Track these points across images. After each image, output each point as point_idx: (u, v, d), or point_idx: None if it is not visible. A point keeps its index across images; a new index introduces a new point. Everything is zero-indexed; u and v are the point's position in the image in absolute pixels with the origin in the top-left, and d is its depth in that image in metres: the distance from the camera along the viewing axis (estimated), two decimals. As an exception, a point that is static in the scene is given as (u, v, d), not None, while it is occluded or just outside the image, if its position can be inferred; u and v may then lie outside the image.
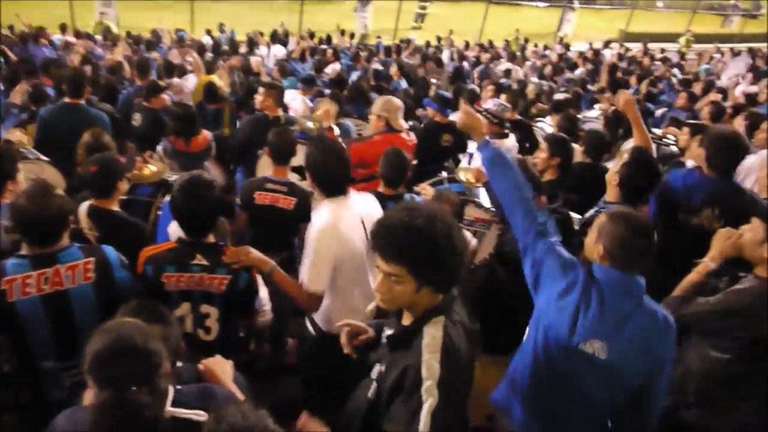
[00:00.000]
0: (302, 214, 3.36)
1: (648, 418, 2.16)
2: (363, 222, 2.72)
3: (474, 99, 6.86)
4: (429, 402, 1.54)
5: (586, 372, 2.10)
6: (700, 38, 22.18)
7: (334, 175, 2.74)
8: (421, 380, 1.58)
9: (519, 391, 2.31)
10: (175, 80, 7.59)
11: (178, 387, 1.69)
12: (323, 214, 2.70)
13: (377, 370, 1.81)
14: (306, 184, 3.09)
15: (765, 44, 21.20)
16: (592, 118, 6.91)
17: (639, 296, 2.08)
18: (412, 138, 4.63)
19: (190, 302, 2.46)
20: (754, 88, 9.57)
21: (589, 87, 10.03)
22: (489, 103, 4.85)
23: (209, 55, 9.98)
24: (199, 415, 1.57)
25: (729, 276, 2.58)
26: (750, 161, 4.80)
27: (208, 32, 14.93)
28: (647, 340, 2.04)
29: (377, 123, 4.50)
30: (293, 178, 3.72)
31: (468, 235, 3.34)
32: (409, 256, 1.63)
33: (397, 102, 4.55)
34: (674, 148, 5.57)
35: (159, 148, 4.52)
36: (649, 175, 3.11)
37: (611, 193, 3.15)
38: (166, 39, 12.96)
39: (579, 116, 6.50)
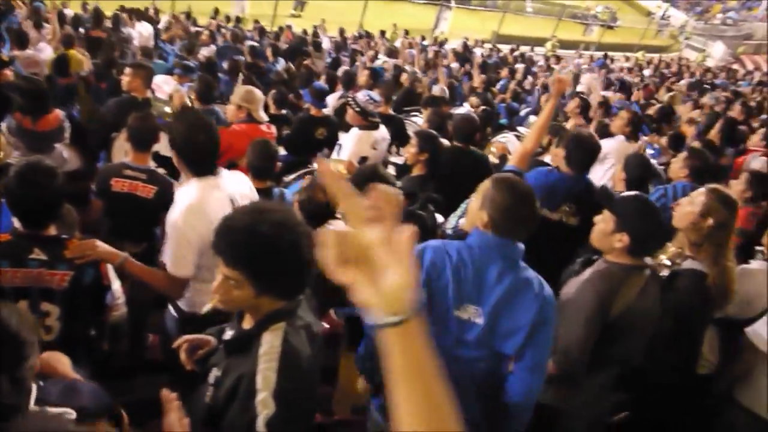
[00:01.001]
0: (163, 204, 3.17)
1: (527, 390, 2.12)
2: (233, 202, 2.60)
3: (351, 83, 6.90)
4: (264, 413, 1.48)
5: (463, 343, 2.09)
6: (565, 44, 23.71)
7: (202, 150, 2.59)
8: (255, 391, 1.51)
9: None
10: (28, 51, 6.97)
11: (41, 384, 1.57)
12: (189, 193, 2.55)
13: (214, 374, 1.72)
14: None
15: (620, 53, 23.20)
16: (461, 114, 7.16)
17: (515, 260, 2.10)
18: (272, 130, 4.57)
19: (28, 300, 2.24)
20: (608, 93, 10.40)
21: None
22: (360, 94, 4.87)
23: (68, 28, 9.21)
24: (68, 413, 1.50)
25: (583, 259, 2.75)
26: (608, 145, 5.22)
27: (64, 4, 13.82)
28: (520, 306, 2.05)
29: (237, 113, 4.38)
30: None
31: (343, 225, 3.33)
32: (248, 263, 1.55)
33: (259, 94, 4.48)
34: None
35: (2, 126, 4.11)
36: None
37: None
38: (20, 8, 11.79)
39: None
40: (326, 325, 3.60)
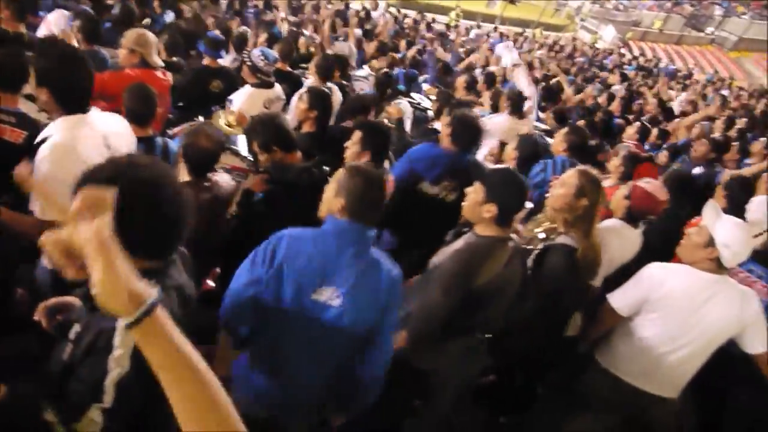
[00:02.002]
0: (34, 149, 2.97)
1: (377, 366, 2.29)
2: (107, 140, 2.47)
3: (243, 45, 6.71)
4: (116, 371, 1.42)
5: (321, 326, 2.15)
6: (467, 15, 24.06)
7: (79, 85, 2.44)
8: (112, 347, 1.43)
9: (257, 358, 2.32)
10: None
11: None
12: (56, 131, 2.39)
13: (75, 330, 1.62)
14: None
15: (519, 28, 23.88)
16: (361, 77, 7.15)
17: (367, 245, 2.20)
18: (168, 77, 4.35)
19: None
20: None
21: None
22: (255, 52, 4.74)
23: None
24: None
25: (455, 231, 2.85)
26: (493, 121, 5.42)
27: None
28: (372, 288, 2.17)
29: (130, 57, 4.13)
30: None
31: (227, 178, 3.25)
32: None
33: (152, 37, 4.23)
34: (430, 113, 6.03)
35: None
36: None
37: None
38: None
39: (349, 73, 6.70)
40: (211, 284, 3.55)
